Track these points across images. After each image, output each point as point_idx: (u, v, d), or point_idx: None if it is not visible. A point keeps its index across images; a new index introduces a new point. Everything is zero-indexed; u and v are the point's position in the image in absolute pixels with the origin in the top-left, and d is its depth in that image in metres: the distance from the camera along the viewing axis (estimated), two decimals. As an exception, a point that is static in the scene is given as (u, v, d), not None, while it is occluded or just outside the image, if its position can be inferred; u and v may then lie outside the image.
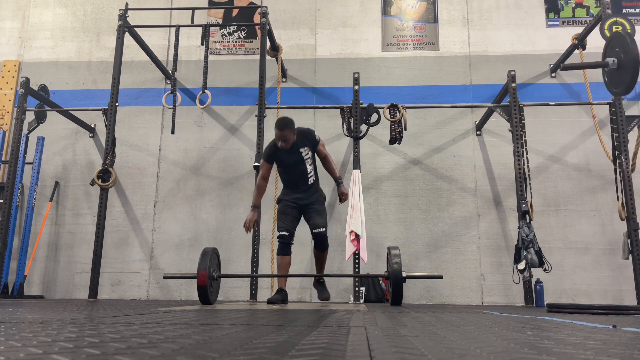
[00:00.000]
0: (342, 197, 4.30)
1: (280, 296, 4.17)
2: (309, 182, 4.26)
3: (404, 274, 3.86)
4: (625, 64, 3.88)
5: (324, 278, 4.37)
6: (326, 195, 4.54)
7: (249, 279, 4.78)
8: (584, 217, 6.03)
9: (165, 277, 4.23)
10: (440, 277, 4.23)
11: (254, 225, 4.19)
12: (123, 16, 5.69)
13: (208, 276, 3.77)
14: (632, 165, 5.15)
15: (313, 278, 4.38)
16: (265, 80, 5.39)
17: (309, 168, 4.25)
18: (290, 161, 4.22)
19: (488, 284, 5.94)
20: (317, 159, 4.38)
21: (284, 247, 4.18)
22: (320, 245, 4.22)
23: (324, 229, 4.16)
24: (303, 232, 4.50)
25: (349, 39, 6.84)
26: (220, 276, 4.13)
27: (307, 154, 4.22)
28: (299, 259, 5.93)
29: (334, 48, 6.82)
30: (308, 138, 4.21)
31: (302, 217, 4.33)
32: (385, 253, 6.06)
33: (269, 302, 4.08)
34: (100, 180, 5.29)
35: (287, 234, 4.17)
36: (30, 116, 6.16)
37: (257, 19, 6.69)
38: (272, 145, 4.23)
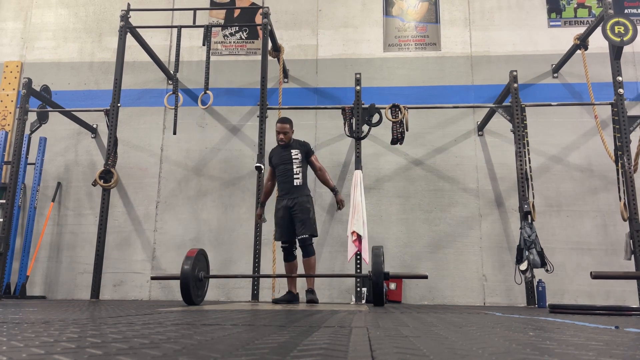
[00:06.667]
0: (340, 204, 4.70)
1: (285, 297, 4.52)
2: (295, 184, 4.56)
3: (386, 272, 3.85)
4: None
5: (315, 285, 4.62)
6: (314, 202, 4.81)
7: (251, 279, 4.80)
8: (586, 218, 6.02)
9: (152, 279, 4.49)
10: (425, 277, 4.17)
11: (258, 218, 4.77)
12: (125, 17, 5.70)
13: (191, 276, 3.70)
14: (635, 165, 5.14)
15: (306, 285, 4.63)
16: (267, 80, 5.39)
17: (296, 169, 4.59)
18: (281, 159, 4.63)
19: (490, 284, 5.93)
20: (310, 171, 4.76)
21: (287, 254, 4.62)
22: (304, 251, 4.50)
23: (305, 236, 4.44)
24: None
25: (350, 40, 6.84)
26: (207, 277, 4.06)
27: (297, 156, 4.61)
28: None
29: (336, 48, 6.82)
30: (303, 146, 4.70)
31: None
32: (386, 253, 6.06)
33: (274, 301, 4.45)
34: (102, 180, 5.30)
35: (286, 245, 4.60)
36: (32, 117, 6.17)
37: (258, 19, 6.70)
38: (273, 148, 4.81)
